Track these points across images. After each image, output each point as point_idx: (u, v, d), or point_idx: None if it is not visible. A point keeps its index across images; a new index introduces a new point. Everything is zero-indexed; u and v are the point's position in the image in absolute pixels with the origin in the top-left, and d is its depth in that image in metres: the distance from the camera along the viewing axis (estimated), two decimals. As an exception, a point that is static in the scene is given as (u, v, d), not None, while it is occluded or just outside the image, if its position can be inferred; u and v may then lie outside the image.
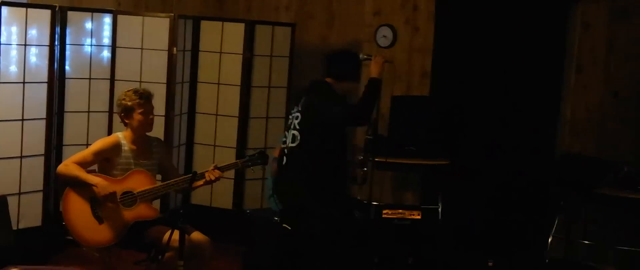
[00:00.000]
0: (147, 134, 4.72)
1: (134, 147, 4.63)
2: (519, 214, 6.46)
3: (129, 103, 4.57)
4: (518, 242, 6.40)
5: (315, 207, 4.70)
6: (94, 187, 4.42)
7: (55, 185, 5.54)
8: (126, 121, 4.62)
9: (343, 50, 5.08)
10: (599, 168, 5.75)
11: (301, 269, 4.85)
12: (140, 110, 4.58)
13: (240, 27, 6.31)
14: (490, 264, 5.94)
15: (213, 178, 4.55)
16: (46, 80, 5.46)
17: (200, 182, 4.57)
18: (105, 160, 4.57)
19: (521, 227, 6.44)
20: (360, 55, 4.76)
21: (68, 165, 4.48)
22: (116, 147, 4.58)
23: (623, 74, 6.08)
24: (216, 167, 4.59)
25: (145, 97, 4.61)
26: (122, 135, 4.64)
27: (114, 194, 4.43)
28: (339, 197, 4.69)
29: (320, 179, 4.67)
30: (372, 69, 4.66)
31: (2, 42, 5.14)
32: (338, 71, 4.74)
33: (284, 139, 4.85)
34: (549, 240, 5.96)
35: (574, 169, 5.81)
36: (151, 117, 4.66)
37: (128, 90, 4.64)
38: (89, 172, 4.53)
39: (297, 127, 4.73)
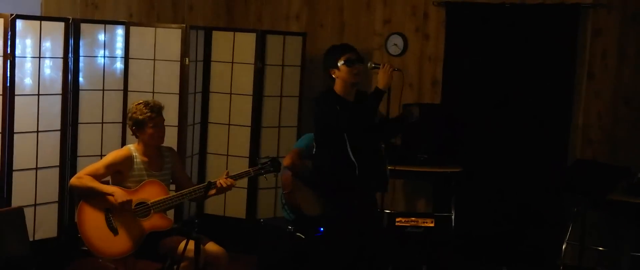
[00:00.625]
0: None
1: (145, 158, 4.65)
2: (532, 221, 6.44)
3: (141, 117, 4.59)
4: (531, 250, 6.39)
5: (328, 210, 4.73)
6: (110, 197, 4.45)
7: (71, 196, 5.58)
8: (138, 134, 4.65)
9: None
10: (612, 174, 5.74)
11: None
12: (151, 124, 4.60)
13: (252, 37, 6.34)
14: (504, 271, 5.94)
15: (225, 186, 4.57)
16: (60, 92, 5.50)
17: (213, 191, 4.58)
18: (118, 173, 4.60)
19: (534, 234, 6.42)
20: (368, 64, 4.74)
21: (81, 178, 4.51)
22: (128, 159, 4.61)
23: (634, 80, 6.08)
24: (229, 176, 4.60)
25: (156, 111, 4.63)
26: (134, 148, 4.66)
27: (129, 201, 4.45)
28: (351, 209, 4.68)
29: (328, 187, 4.68)
30: (380, 79, 4.63)
31: (16, 55, 5.18)
32: (324, 71, 4.74)
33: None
34: (563, 247, 5.95)
35: (586, 175, 5.80)
36: (162, 130, 4.68)
37: (138, 103, 4.65)
38: (102, 184, 4.56)
39: (314, 137, 4.78)
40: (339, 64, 4.63)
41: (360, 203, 4.69)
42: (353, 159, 4.58)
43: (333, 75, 4.66)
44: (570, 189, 5.90)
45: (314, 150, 4.77)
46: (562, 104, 6.31)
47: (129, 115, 4.64)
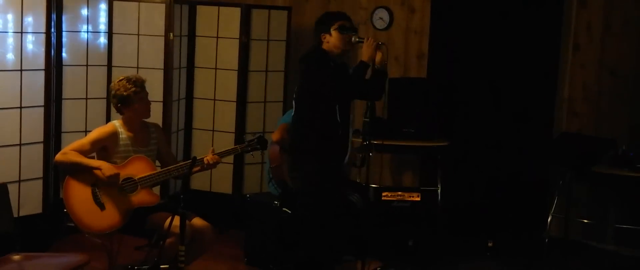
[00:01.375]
0: (145, 119, 4.72)
1: (131, 134, 4.63)
2: (517, 193, 6.48)
3: (125, 93, 4.55)
4: (517, 222, 6.43)
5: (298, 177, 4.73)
6: (97, 171, 4.43)
7: (55, 172, 5.55)
8: (123, 110, 4.61)
9: None
10: (597, 147, 5.76)
11: (300, 253, 4.86)
12: (137, 99, 4.58)
13: (236, 11, 6.30)
14: (490, 244, 5.97)
15: (211, 162, 4.56)
16: (43, 68, 5.44)
17: (198, 168, 4.58)
18: (103, 149, 4.57)
19: (520, 207, 6.46)
20: (353, 38, 4.73)
21: (67, 153, 4.48)
22: (113, 135, 4.58)
23: (620, 52, 6.08)
24: (214, 152, 4.60)
25: (140, 85, 4.60)
26: (119, 124, 4.64)
27: (117, 174, 4.43)
28: (329, 172, 4.68)
29: (309, 148, 4.67)
30: (364, 52, 4.64)
31: (-2, 30, 5.13)
32: (315, 36, 4.73)
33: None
34: (549, 219, 5.99)
35: (572, 148, 5.82)
36: (148, 103, 4.66)
37: (120, 80, 4.61)
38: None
39: (294, 96, 4.75)
40: (331, 30, 4.62)
41: (338, 168, 4.70)
42: (339, 120, 4.59)
43: (323, 40, 4.65)
44: (556, 162, 5.92)
45: (294, 112, 4.74)
46: (548, 77, 6.32)
47: (113, 92, 4.60)
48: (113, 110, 4.72)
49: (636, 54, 6.05)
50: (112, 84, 4.64)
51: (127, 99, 4.56)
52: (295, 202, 5.29)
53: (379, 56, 4.65)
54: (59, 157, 4.50)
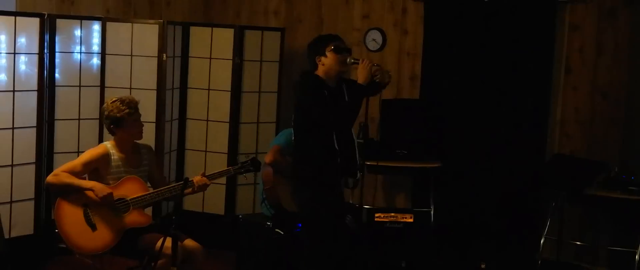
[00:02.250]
0: (137, 141, 4.71)
1: (123, 155, 4.62)
2: (510, 215, 6.47)
3: (118, 114, 4.55)
4: (510, 244, 6.41)
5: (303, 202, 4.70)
6: (89, 191, 4.41)
7: (47, 193, 5.53)
8: (115, 132, 4.61)
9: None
10: (590, 169, 5.77)
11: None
12: (130, 121, 4.57)
13: (230, 32, 6.32)
14: (482, 266, 5.95)
15: (200, 184, 4.55)
16: (36, 89, 5.44)
17: (189, 190, 4.56)
18: (95, 171, 4.56)
19: (513, 229, 6.45)
20: (348, 59, 4.72)
21: (58, 175, 4.46)
22: (105, 156, 4.57)
23: (612, 75, 6.11)
24: (204, 175, 4.58)
25: (133, 107, 4.60)
26: (110, 145, 4.63)
27: (111, 194, 4.41)
28: (331, 196, 4.66)
29: (307, 175, 4.65)
30: (359, 74, 4.63)
31: (-9, 51, 5.13)
32: (309, 60, 4.71)
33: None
34: (541, 241, 5.98)
35: (564, 170, 5.83)
36: (141, 125, 4.66)
37: (113, 101, 4.60)
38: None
39: (292, 124, 4.73)
40: (327, 51, 4.62)
41: (338, 193, 4.69)
42: (336, 147, 4.57)
43: (319, 63, 4.64)
44: (548, 184, 5.92)
45: (294, 138, 4.72)
46: (540, 99, 6.34)
47: (105, 113, 4.59)
48: (105, 131, 4.71)
49: (628, 76, 6.07)
50: (105, 105, 4.63)
51: (119, 121, 4.56)
52: (288, 223, 5.28)
53: (379, 76, 4.64)
54: (50, 178, 4.49)
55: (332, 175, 4.64)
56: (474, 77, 6.50)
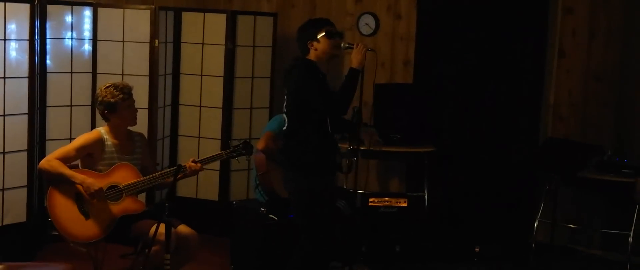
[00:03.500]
0: (130, 128, 4.69)
1: (116, 141, 4.60)
2: (504, 199, 6.48)
3: (113, 100, 4.52)
4: (504, 227, 6.43)
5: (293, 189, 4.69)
6: (78, 185, 4.39)
7: (40, 181, 5.50)
8: (109, 117, 4.58)
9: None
10: (583, 152, 5.78)
11: (290, 260, 4.83)
12: (124, 106, 4.55)
13: (222, 17, 6.28)
14: (476, 249, 5.97)
15: (191, 171, 4.53)
16: (27, 75, 5.40)
17: (181, 175, 4.53)
18: (88, 156, 4.54)
19: (507, 212, 6.47)
20: (342, 44, 4.70)
21: (51, 161, 4.44)
22: (99, 142, 4.55)
23: (605, 58, 6.11)
24: (195, 161, 4.56)
25: (127, 92, 4.57)
26: (104, 130, 4.61)
27: (100, 190, 4.39)
28: (323, 183, 4.64)
29: (300, 161, 4.63)
30: (353, 59, 4.59)
31: (-19, 38, 5.09)
32: (299, 45, 4.66)
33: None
34: (535, 224, 5.99)
35: (558, 153, 5.83)
36: (135, 110, 4.63)
37: (106, 86, 4.57)
38: (72, 167, 4.49)
39: (285, 110, 4.70)
40: (319, 36, 4.58)
41: (330, 179, 4.68)
42: (330, 129, 4.56)
43: (310, 48, 4.60)
44: (542, 167, 5.93)
45: (286, 125, 4.70)
46: (534, 83, 6.34)
47: (99, 99, 4.56)
48: (98, 117, 4.68)
49: (621, 59, 6.07)
50: (99, 91, 4.60)
51: (113, 106, 4.53)
52: (282, 209, 5.26)
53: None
54: (43, 164, 4.46)
55: (327, 162, 4.63)
56: (467, 61, 6.50)
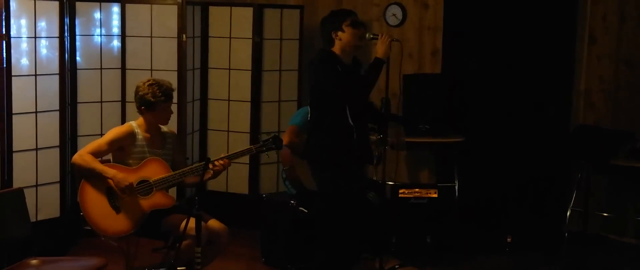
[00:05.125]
0: (162, 127, 4.73)
1: (148, 135, 4.64)
2: (535, 188, 6.43)
3: (153, 99, 4.56)
4: (536, 217, 6.38)
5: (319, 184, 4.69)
6: (110, 180, 4.43)
7: (72, 176, 5.56)
8: (144, 113, 4.62)
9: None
10: (615, 139, 5.71)
11: (318, 252, 4.84)
12: (162, 107, 4.59)
13: (249, 11, 6.29)
14: (508, 239, 5.93)
15: (220, 168, 4.54)
16: (58, 72, 5.46)
17: (210, 173, 4.54)
18: (120, 149, 4.58)
19: (538, 201, 6.42)
20: (367, 35, 4.69)
21: (83, 156, 4.49)
22: (130, 135, 4.59)
23: (636, 43, 6.02)
24: (225, 156, 4.57)
25: (168, 95, 4.61)
26: (136, 124, 4.65)
27: (131, 185, 4.43)
28: (350, 174, 4.64)
29: (324, 154, 4.62)
30: (379, 49, 4.59)
31: (12, 35, 5.14)
32: (323, 36, 4.66)
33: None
34: (567, 213, 5.93)
35: (589, 140, 5.77)
36: (170, 113, 4.67)
37: (150, 83, 4.60)
38: (103, 162, 4.54)
39: (309, 104, 4.71)
40: (343, 26, 4.58)
41: (357, 171, 4.66)
42: (351, 123, 4.54)
43: (335, 38, 4.59)
44: (573, 155, 5.87)
45: (309, 116, 4.70)
46: (564, 69, 6.27)
47: (140, 93, 4.59)
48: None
49: (653, 44, 5.99)
50: (141, 85, 4.62)
51: (152, 105, 4.57)
52: (311, 201, 5.27)
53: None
54: (76, 158, 4.51)
55: (348, 155, 4.61)
56: (495, 50, 6.45)
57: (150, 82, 4.61)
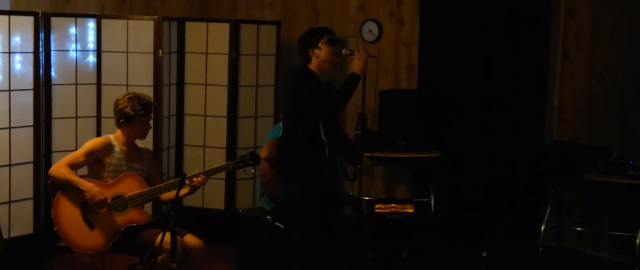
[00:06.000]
0: (137, 143, 4.71)
1: (125, 148, 4.63)
2: (510, 203, 6.47)
3: (132, 112, 4.55)
4: (511, 231, 6.41)
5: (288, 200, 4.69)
6: (86, 193, 4.41)
7: (46, 192, 5.51)
8: (122, 126, 4.60)
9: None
10: (589, 154, 5.76)
11: (294, 268, 4.83)
12: (140, 121, 4.58)
13: (225, 27, 6.30)
14: (484, 254, 5.94)
15: (197, 184, 4.53)
16: (32, 87, 5.43)
17: (186, 190, 4.53)
18: (97, 161, 4.56)
19: (513, 216, 6.45)
20: (343, 51, 4.71)
21: (60, 167, 4.47)
22: (108, 147, 4.58)
23: (609, 59, 6.10)
24: (202, 172, 4.56)
25: (148, 109, 4.60)
26: (113, 137, 4.64)
27: (105, 201, 4.41)
28: (321, 189, 4.64)
29: (293, 168, 4.63)
30: (355, 64, 4.60)
31: (-14, 51, 5.11)
32: (301, 53, 4.68)
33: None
34: (542, 228, 5.97)
35: (563, 156, 5.82)
36: (149, 127, 4.66)
37: (131, 97, 4.59)
38: (80, 176, 4.51)
39: (281, 116, 4.72)
40: (320, 44, 4.60)
41: (328, 185, 4.66)
42: (324, 140, 4.55)
43: (312, 56, 4.61)
44: (548, 170, 5.92)
45: (281, 131, 4.71)
46: (538, 86, 6.33)
47: (119, 107, 4.58)
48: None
49: (625, 60, 6.06)
50: (120, 98, 4.61)
51: (131, 118, 4.56)
52: (287, 216, 5.26)
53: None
54: (53, 170, 4.49)
55: (318, 168, 4.61)
56: (471, 65, 6.50)
57: (130, 96, 4.60)
